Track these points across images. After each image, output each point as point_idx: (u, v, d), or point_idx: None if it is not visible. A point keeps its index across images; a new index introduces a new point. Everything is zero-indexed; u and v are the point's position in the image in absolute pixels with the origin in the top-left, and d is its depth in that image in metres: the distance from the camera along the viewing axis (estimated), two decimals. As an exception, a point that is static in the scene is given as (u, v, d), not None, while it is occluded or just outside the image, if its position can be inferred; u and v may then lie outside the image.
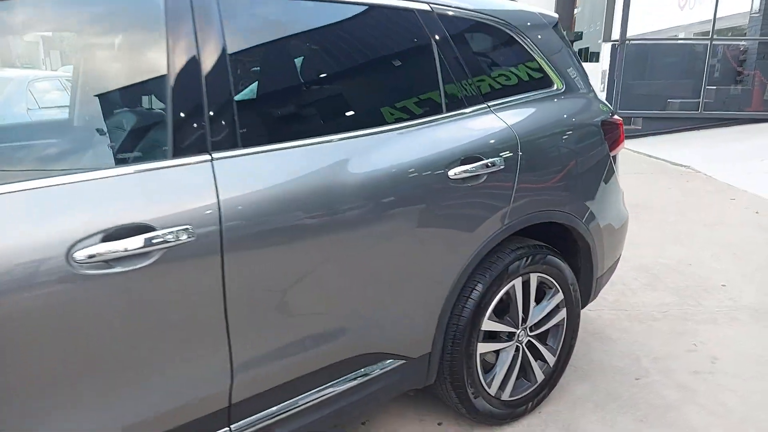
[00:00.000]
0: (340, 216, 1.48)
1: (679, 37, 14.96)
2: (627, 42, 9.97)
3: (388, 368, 1.71)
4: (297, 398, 1.52)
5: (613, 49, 10.07)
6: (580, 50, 35.88)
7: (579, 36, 34.90)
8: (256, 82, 1.54)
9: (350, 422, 2.12)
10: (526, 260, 1.97)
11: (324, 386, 1.57)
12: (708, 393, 2.30)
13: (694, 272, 3.61)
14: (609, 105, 2.35)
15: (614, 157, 2.30)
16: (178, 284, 1.25)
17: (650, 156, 8.24)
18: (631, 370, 2.47)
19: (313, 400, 1.55)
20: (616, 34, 10.01)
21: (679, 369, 2.48)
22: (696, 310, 3.06)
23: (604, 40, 10.33)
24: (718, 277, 3.51)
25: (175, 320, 1.26)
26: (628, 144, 9.37)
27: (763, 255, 3.92)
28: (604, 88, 10.40)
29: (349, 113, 1.62)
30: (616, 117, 2.31)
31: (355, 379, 1.63)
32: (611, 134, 2.25)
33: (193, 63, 1.34)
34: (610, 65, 10.13)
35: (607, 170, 2.22)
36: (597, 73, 11.35)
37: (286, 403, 1.50)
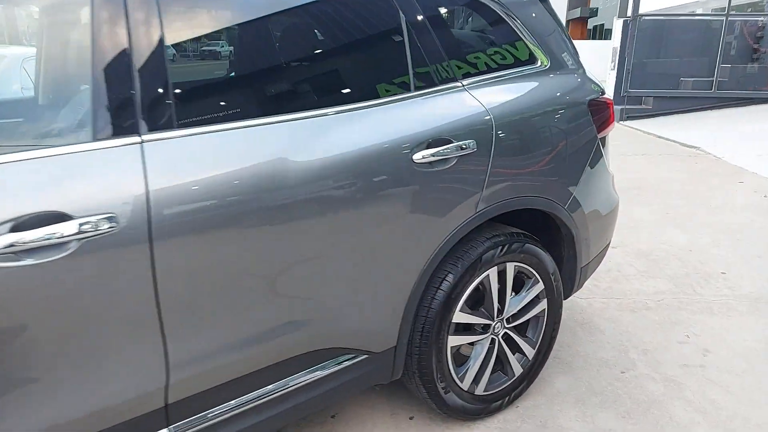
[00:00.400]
0: (289, 203, 1.37)
1: (697, 12, 14.50)
2: (639, 17, 9.64)
3: (348, 363, 1.62)
4: (244, 397, 1.43)
5: (625, 25, 9.74)
6: (594, 27, 35.06)
7: (594, 12, 34.07)
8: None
9: (318, 415, 2.04)
10: (502, 249, 1.86)
11: (275, 384, 1.48)
12: (696, 388, 2.19)
13: (694, 259, 3.47)
14: (600, 83, 2.20)
15: (603, 139, 2.16)
16: (101, 277, 1.15)
17: (660, 137, 8.01)
18: (618, 362, 2.37)
19: (262, 398, 1.46)
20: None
21: (669, 362, 2.37)
22: (692, 299, 2.94)
23: (619, 16, 9.93)
24: (719, 264, 3.37)
25: (98, 316, 1.17)
26: (638, 124, 9.13)
27: (767, 241, 3.77)
28: (614, 66, 10.06)
29: (302, 91, 1.50)
30: (605, 96, 2.16)
31: (309, 376, 1.54)
32: (600, 115, 2.10)
33: (121, 32, 1.22)
34: (621, 42, 9.80)
35: (593, 153, 2.08)
36: (609, 50, 10.99)
37: (232, 402, 1.42)
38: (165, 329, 1.26)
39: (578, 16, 32.67)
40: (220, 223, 1.29)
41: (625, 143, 7.58)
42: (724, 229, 4.00)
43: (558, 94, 2.00)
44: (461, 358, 1.96)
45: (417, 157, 1.59)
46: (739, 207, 4.51)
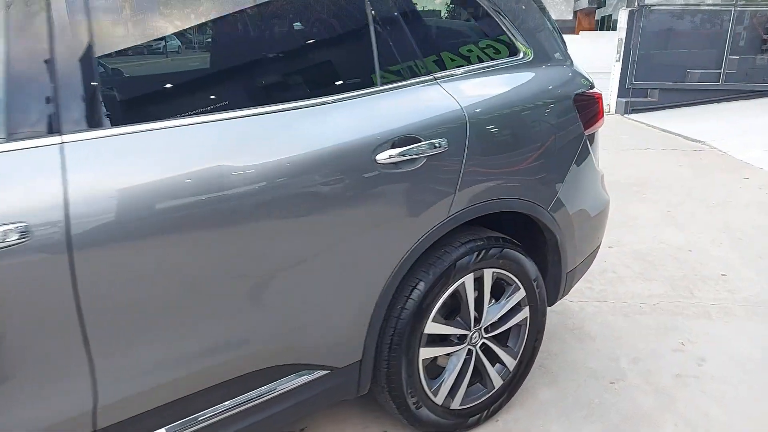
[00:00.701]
0: (233, 209, 1.25)
1: (705, 2, 14.18)
2: (645, 8, 9.41)
3: (307, 380, 1.50)
4: (187, 419, 1.32)
5: (631, 15, 9.51)
6: (602, 18, 34.65)
7: (602, 3, 33.65)
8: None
9: (287, 427, 1.93)
10: (479, 254, 1.74)
11: (223, 404, 1.37)
12: (689, 400, 2.07)
13: (693, 259, 3.33)
14: (588, 77, 2.06)
15: (591, 136, 2.02)
16: (10, 292, 1.04)
17: (664, 130, 7.81)
18: (607, 372, 2.24)
19: (208, 419, 1.35)
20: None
21: (661, 371, 2.24)
22: (689, 302, 2.80)
23: (627, 6, 9.70)
24: (718, 266, 3.23)
25: (7, 336, 1.06)
26: (643, 117, 8.93)
27: (771, 241, 3.62)
28: (620, 58, 9.84)
29: (249, 87, 1.38)
30: (594, 90, 2.02)
31: (262, 395, 1.42)
32: (587, 110, 1.96)
33: (41, 19, 1.10)
34: (626, 33, 9.58)
35: (579, 151, 1.94)
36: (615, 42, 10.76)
37: (173, 424, 1.30)
38: (91, 348, 1.15)
39: (586, 6, 32.30)
40: (153, 230, 1.17)
41: (628, 137, 7.40)
42: (726, 228, 3.85)
43: (541, 88, 1.86)
44: (438, 370, 1.85)
45: (381, 157, 1.46)
46: (743, 204, 4.35)
